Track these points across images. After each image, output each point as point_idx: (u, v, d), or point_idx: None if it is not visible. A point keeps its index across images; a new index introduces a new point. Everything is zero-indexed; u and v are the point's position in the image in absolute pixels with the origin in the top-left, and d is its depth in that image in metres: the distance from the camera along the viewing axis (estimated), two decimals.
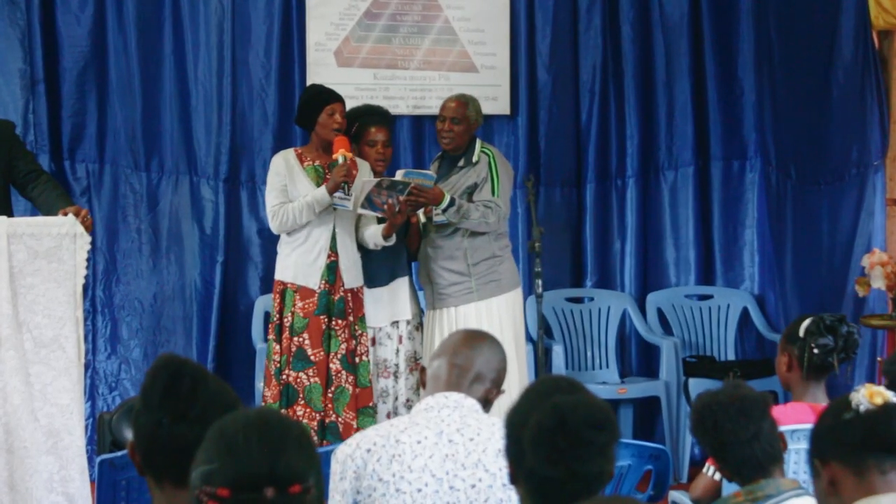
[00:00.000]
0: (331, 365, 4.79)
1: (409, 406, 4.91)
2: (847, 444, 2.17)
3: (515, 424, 2.10)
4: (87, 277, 4.23)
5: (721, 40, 6.29)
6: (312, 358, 4.77)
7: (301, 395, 4.76)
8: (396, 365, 5.01)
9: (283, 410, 4.64)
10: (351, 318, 4.85)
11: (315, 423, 4.73)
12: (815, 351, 3.34)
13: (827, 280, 5.65)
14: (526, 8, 6.19)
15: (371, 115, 5.08)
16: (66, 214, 4.09)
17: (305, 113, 4.93)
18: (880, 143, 5.44)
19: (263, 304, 5.79)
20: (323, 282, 4.82)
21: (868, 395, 2.19)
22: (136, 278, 5.87)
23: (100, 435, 4.92)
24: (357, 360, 4.85)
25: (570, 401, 2.05)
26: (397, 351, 5.02)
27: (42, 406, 3.98)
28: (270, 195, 4.88)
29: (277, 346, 4.82)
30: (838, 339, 3.34)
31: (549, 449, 2.00)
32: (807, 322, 3.39)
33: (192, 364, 1.99)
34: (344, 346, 4.81)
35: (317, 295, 4.80)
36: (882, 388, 2.23)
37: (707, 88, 6.32)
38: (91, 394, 5.69)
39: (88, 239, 4.08)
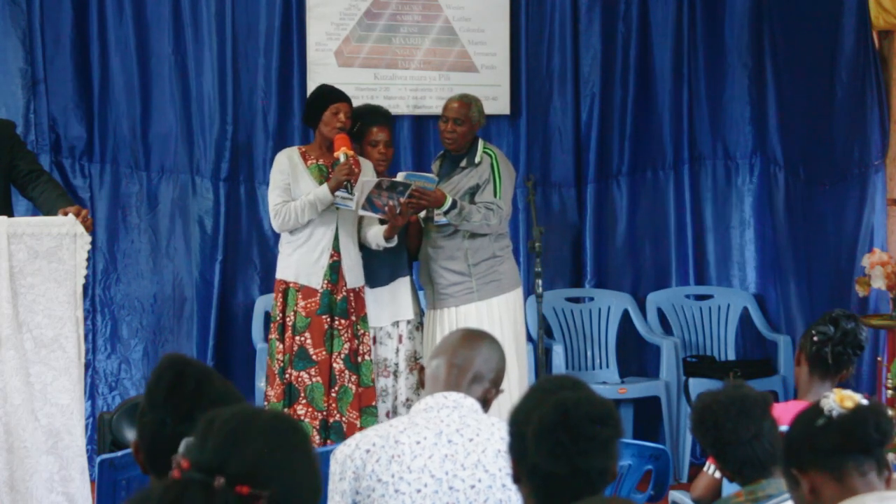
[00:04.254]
0: (334, 365, 4.79)
1: (408, 405, 4.91)
2: (824, 451, 2.20)
3: (519, 422, 2.10)
4: (87, 277, 4.23)
5: (721, 40, 6.29)
6: (314, 357, 4.77)
7: (302, 395, 4.76)
8: (396, 364, 5.02)
9: (285, 410, 4.64)
10: (353, 318, 4.86)
11: (317, 423, 4.74)
12: (815, 339, 3.39)
13: (834, 280, 5.65)
14: (526, 8, 6.19)
15: (373, 115, 5.08)
16: (66, 214, 4.09)
17: (311, 110, 4.94)
18: (880, 143, 5.45)
19: (263, 303, 5.79)
20: (325, 281, 4.81)
21: (839, 400, 2.21)
22: (136, 278, 5.87)
23: (100, 435, 4.92)
24: (360, 359, 4.85)
25: (573, 397, 2.05)
26: (397, 350, 5.03)
27: (42, 406, 3.97)
28: (273, 193, 4.87)
29: (280, 346, 4.82)
30: (837, 331, 3.37)
31: (551, 444, 2.00)
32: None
33: (196, 364, 1.99)
34: (347, 345, 4.81)
35: (319, 294, 4.80)
36: (851, 392, 2.25)
37: (706, 88, 6.32)
38: (91, 394, 5.69)
39: (88, 239, 4.08)
